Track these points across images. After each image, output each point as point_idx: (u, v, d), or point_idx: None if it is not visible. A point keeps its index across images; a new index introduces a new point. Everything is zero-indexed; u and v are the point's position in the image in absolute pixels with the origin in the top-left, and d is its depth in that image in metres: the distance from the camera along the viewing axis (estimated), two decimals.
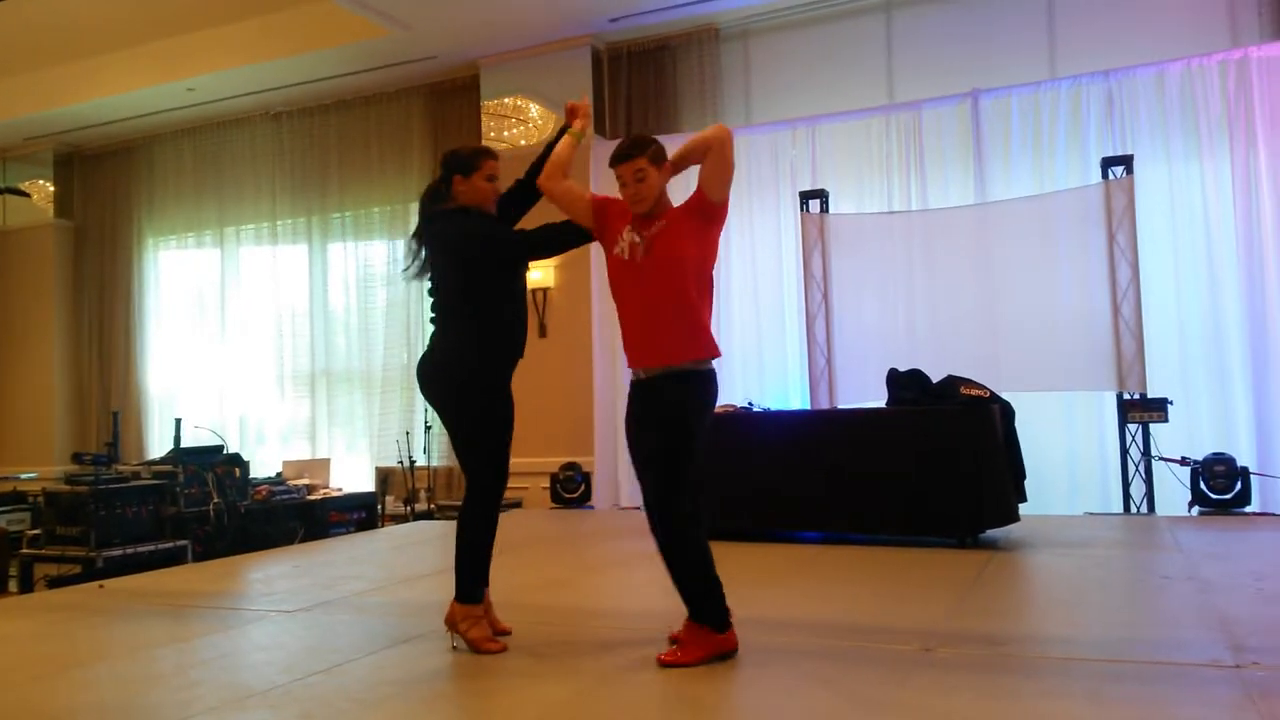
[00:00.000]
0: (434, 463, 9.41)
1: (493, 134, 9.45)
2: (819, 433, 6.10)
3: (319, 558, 5.92)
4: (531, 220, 3.60)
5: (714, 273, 3.31)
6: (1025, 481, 5.92)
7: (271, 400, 10.85)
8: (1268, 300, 7.07)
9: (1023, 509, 5.75)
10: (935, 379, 5.97)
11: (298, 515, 7.60)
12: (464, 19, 8.72)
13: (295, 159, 10.80)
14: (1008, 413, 5.91)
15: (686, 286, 3.17)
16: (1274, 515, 6.63)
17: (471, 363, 3.42)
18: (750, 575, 4.72)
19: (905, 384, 6.04)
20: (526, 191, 3.64)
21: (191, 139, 11.42)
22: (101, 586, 5.10)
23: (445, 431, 3.62)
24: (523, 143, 9.32)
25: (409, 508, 8.75)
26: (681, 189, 3.27)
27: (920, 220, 7.83)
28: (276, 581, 5.16)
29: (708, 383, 3.22)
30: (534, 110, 9.39)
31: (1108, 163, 7.14)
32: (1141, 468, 6.98)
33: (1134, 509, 6.95)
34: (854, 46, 8.70)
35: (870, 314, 7.90)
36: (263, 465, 9.37)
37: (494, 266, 3.45)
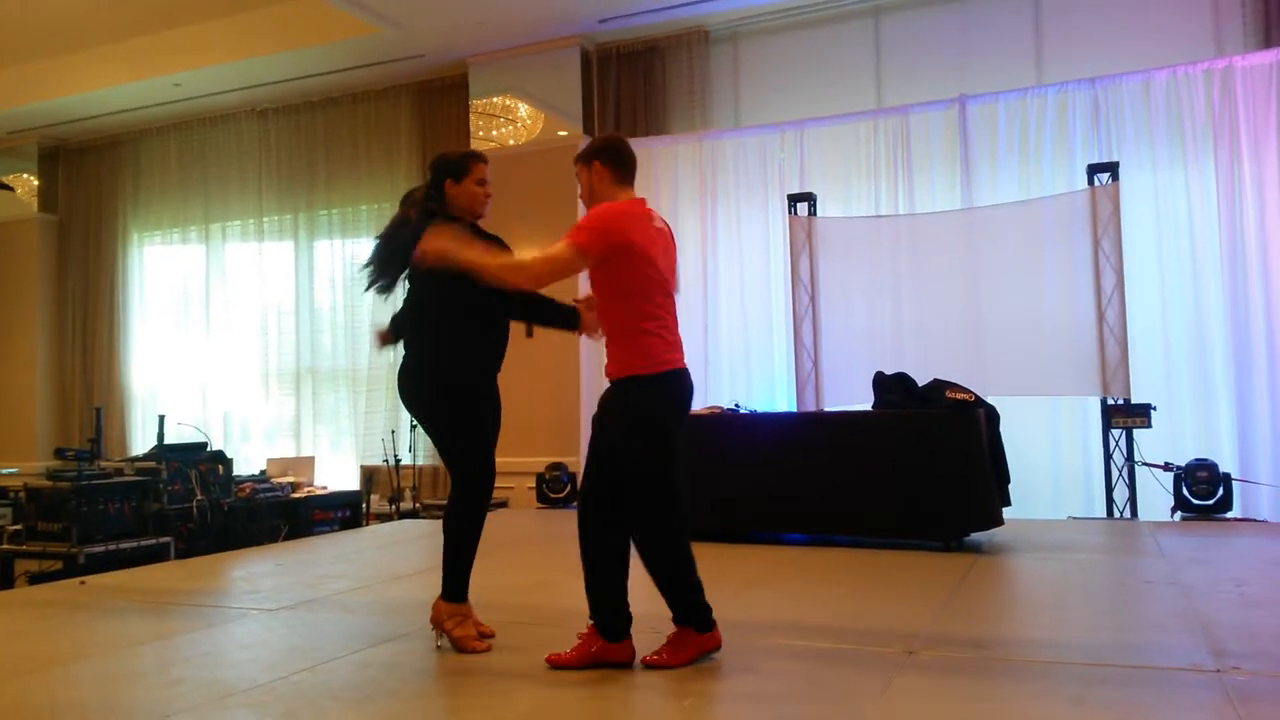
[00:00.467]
0: (419, 461, 9.37)
1: (480, 133, 9.44)
2: (805, 435, 6.10)
3: (303, 556, 5.90)
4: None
5: (678, 280, 3.39)
6: (1010, 485, 5.95)
7: (256, 397, 10.80)
8: (1251, 307, 7.13)
9: (1007, 513, 5.77)
10: (921, 383, 5.99)
11: (281, 513, 7.56)
12: (454, 17, 8.70)
13: (282, 156, 10.76)
14: (993, 417, 5.94)
15: (614, 316, 3.24)
16: (1255, 521, 6.68)
17: (441, 363, 3.45)
18: (735, 577, 4.73)
19: (891, 387, 6.06)
20: (523, 302, 3.60)
21: (178, 134, 11.37)
22: (83, 583, 5.07)
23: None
24: (511, 142, 9.31)
25: (394, 506, 8.72)
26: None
27: (907, 224, 7.86)
28: (260, 579, 5.13)
29: (650, 391, 3.20)
30: (522, 110, 9.39)
31: (1094, 169, 7.19)
32: (1125, 473, 7.01)
33: (1117, 514, 6.99)
34: (843, 51, 8.73)
35: (857, 317, 7.91)
36: (247, 463, 9.34)
37: (470, 284, 3.41)
